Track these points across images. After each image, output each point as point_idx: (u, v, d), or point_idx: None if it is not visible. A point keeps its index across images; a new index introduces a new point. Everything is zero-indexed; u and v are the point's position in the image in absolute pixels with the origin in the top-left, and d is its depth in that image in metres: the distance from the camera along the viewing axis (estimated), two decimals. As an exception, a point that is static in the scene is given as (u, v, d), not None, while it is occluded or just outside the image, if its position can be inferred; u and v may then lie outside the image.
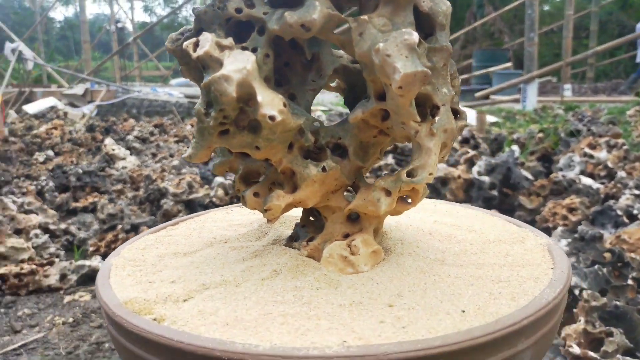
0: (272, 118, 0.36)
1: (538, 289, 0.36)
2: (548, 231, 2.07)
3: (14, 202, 2.46)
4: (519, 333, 0.32)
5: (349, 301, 0.35)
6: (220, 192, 2.52)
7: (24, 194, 2.77)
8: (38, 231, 2.26)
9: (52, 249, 2.04)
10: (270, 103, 0.35)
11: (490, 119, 4.71)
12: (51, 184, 2.85)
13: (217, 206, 2.57)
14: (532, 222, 2.30)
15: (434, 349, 0.28)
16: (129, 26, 14.06)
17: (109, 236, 2.17)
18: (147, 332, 0.31)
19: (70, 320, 1.57)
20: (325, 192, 0.43)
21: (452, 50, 0.39)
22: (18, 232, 2.29)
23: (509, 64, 7.36)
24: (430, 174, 0.39)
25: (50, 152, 3.78)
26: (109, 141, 3.87)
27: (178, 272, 0.42)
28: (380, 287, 0.37)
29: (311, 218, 0.47)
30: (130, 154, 3.87)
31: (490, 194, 2.45)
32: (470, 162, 2.72)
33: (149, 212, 2.51)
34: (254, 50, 0.39)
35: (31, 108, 6.85)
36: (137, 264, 0.44)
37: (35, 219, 2.38)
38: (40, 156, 3.69)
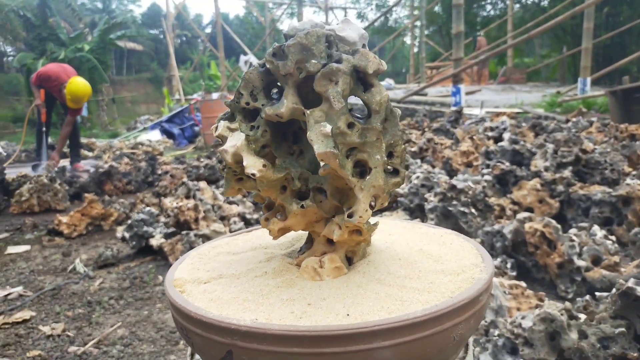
0: (253, 175, 0.57)
1: (412, 309, 0.49)
2: None
3: (222, 193, 3.11)
4: (374, 334, 0.46)
5: (288, 297, 0.54)
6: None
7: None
8: (237, 219, 2.82)
9: (242, 234, 2.54)
10: (252, 165, 0.56)
11: None
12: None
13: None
14: None
15: (300, 332, 0.46)
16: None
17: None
18: (172, 297, 0.56)
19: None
20: (308, 222, 0.62)
21: (380, 129, 0.54)
22: (222, 218, 2.90)
23: None
24: (360, 217, 0.55)
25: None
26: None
27: (217, 265, 0.66)
28: (317, 292, 0.55)
29: (311, 238, 0.66)
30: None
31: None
32: (664, 181, 2.39)
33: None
34: (257, 127, 0.60)
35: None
36: (201, 257, 0.70)
37: (235, 209, 2.97)
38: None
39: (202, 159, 5.16)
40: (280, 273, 0.61)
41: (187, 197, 3.01)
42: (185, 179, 3.69)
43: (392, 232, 0.74)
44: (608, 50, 11.53)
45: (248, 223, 2.82)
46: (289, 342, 0.46)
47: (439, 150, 3.42)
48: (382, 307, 0.51)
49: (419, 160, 3.37)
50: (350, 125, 0.54)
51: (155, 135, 8.28)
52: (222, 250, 0.73)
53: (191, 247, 2.44)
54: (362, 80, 0.56)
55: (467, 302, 0.51)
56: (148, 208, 2.87)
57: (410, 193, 2.42)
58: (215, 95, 9.54)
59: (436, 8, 14.19)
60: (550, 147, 3.04)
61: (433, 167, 3.23)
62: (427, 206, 2.18)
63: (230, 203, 3.08)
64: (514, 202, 2.69)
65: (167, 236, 2.65)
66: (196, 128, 8.35)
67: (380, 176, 0.55)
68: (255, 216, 2.90)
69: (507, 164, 2.91)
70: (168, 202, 2.90)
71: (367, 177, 0.54)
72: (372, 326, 0.46)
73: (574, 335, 1.21)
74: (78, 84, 4.86)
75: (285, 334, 0.46)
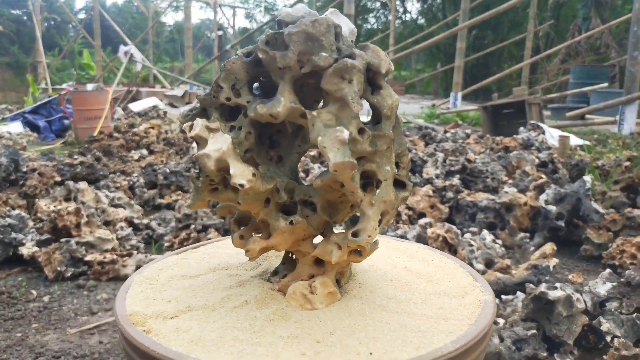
0: (241, 185, 0.47)
1: (442, 343, 0.43)
2: (614, 268, 1.98)
3: (106, 196, 2.80)
4: (407, 378, 0.40)
5: (288, 334, 0.45)
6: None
7: (117, 188, 3.12)
8: (124, 224, 2.56)
9: (133, 241, 2.30)
10: (241, 174, 0.46)
11: (578, 141, 4.46)
12: (142, 180, 3.18)
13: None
14: (598, 258, 2.21)
15: (324, 381, 0.38)
16: (230, 31, 14.93)
17: (183, 234, 2.40)
18: (136, 340, 0.44)
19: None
20: (295, 240, 0.53)
21: (392, 137, 0.47)
22: (107, 223, 2.61)
23: (605, 84, 6.89)
24: (369, 236, 0.48)
25: (144, 151, 4.17)
26: (195, 144, 4.20)
27: (177, 293, 0.54)
28: (319, 325, 0.47)
29: (292, 257, 0.58)
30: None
31: (556, 225, 2.38)
32: (540, 189, 2.65)
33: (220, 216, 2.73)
34: (239, 128, 0.50)
35: (136, 106, 7.52)
36: (151, 283, 0.57)
37: (122, 212, 2.69)
38: (135, 154, 4.10)
39: (75, 156, 4.64)
40: (264, 302, 0.51)
41: (67, 199, 2.66)
42: (58, 178, 3.27)
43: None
44: (474, 69, 12.76)
45: (136, 228, 2.56)
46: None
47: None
48: (404, 341, 0.44)
49: (318, 164, 3.37)
50: (360, 132, 0.46)
51: (17, 128, 7.30)
52: (173, 273, 0.61)
53: (72, 257, 2.15)
54: (369, 81, 0.49)
55: (488, 330, 0.46)
56: (17, 211, 2.47)
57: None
58: (90, 87, 8.72)
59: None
60: (440, 155, 3.23)
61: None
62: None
63: (116, 206, 2.79)
64: (408, 208, 2.80)
65: (41, 244, 2.31)
66: (66, 121, 7.53)
67: (391, 190, 0.48)
68: (145, 221, 2.65)
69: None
70: (44, 205, 2.53)
71: (378, 191, 0.47)
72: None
73: (496, 339, 1.25)
74: None
75: (314, 386, 0.37)
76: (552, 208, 2.42)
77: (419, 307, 0.50)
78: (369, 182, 0.49)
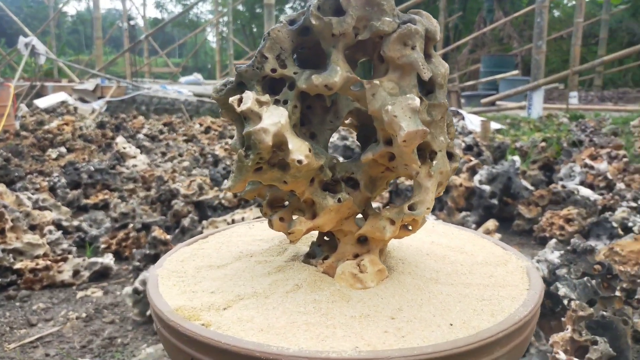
0: (299, 162, 0.44)
1: (514, 307, 0.44)
2: (545, 240, 2.14)
3: (29, 198, 2.55)
4: (496, 344, 0.40)
5: (358, 313, 0.43)
6: (230, 194, 2.60)
7: (37, 190, 2.86)
8: (52, 227, 2.36)
9: (64, 245, 2.12)
10: (299, 149, 0.43)
11: (495, 125, 4.76)
12: (63, 180, 2.94)
13: (226, 208, 2.64)
14: (530, 232, 2.38)
15: (427, 355, 0.36)
16: (140, 22, 14.19)
17: (121, 234, 2.25)
18: (198, 335, 0.40)
19: (84, 315, 1.65)
20: (340, 219, 0.51)
21: (448, 106, 0.47)
22: (33, 228, 2.39)
23: (516, 72, 7.42)
24: (427, 209, 0.47)
25: (63, 149, 3.87)
26: (120, 139, 3.97)
27: (215, 283, 0.50)
28: (384, 302, 0.46)
29: (325, 238, 0.55)
30: (141, 153, 3.96)
31: (490, 203, 2.53)
32: (473, 171, 2.78)
33: (160, 212, 2.59)
34: (285, 102, 0.47)
35: (42, 102, 6.93)
36: (180, 276, 0.52)
37: (49, 215, 2.48)
38: (53, 152, 3.78)
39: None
40: (317, 285, 0.49)
41: (-18, 204, 2.39)
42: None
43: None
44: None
45: (66, 231, 2.37)
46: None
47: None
48: (475, 309, 0.44)
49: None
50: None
51: None
52: (197, 264, 0.56)
53: (-3, 267, 1.94)
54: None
55: (542, 292, 0.48)
56: None
57: (263, 189, 2.35)
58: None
59: (240, 6, 14.25)
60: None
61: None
62: (287, 201, 2.14)
63: (41, 209, 2.55)
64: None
65: (-42, 255, 2.06)
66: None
67: (445, 161, 0.48)
68: (74, 223, 2.46)
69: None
70: (-44, 211, 2.26)
71: (435, 162, 0.47)
72: (500, 332, 0.39)
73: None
74: None
75: (424, 357, 0.36)
76: (486, 187, 2.56)
77: (470, 278, 0.51)
78: (421, 153, 0.48)
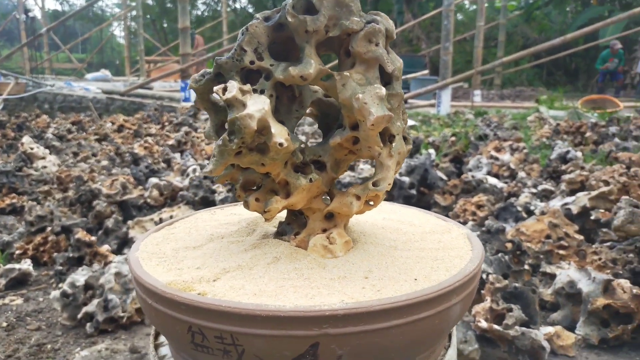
0: (281, 145, 0.49)
1: (463, 264, 0.52)
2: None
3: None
4: (453, 292, 0.48)
5: (336, 276, 0.50)
6: (155, 192, 2.55)
7: None
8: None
9: (-25, 253, 1.97)
10: (280, 134, 0.49)
11: (409, 122, 5.04)
12: (-38, 185, 2.71)
13: (152, 207, 2.58)
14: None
15: (402, 302, 0.43)
16: (38, 14, 13.14)
17: (38, 239, 2.13)
18: (198, 302, 0.44)
19: (4, 324, 1.56)
20: (310, 197, 0.57)
21: (403, 95, 0.54)
22: (-62, 235, 2.19)
23: (426, 71, 7.86)
24: (389, 184, 0.54)
25: (-40, 151, 3.54)
26: (27, 139, 3.70)
27: (198, 261, 0.54)
28: (355, 266, 0.52)
29: (293, 217, 0.61)
30: (50, 153, 3.72)
31: (409, 193, 2.70)
32: (393, 164, 2.93)
33: (80, 214, 2.48)
34: (262, 92, 0.52)
35: None
36: (160, 257, 0.55)
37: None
38: (-52, 155, 3.45)
39: None
40: (293, 256, 0.54)
41: None
42: None
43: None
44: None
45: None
46: (404, 312, 0.43)
47: (197, 144, 3.37)
48: (432, 267, 0.52)
49: (178, 154, 3.25)
50: (378, 91, 0.52)
51: None
52: (174, 246, 0.59)
53: None
54: (377, 46, 0.54)
55: (483, 253, 0.57)
56: None
57: (192, 186, 2.33)
58: None
59: (149, 0, 13.69)
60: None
61: (196, 160, 3.17)
62: (218, 197, 2.15)
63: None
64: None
65: None
66: None
67: (402, 143, 0.55)
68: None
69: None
70: None
71: (394, 144, 0.54)
72: (456, 282, 0.47)
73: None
74: None
75: (400, 304, 0.42)
76: (406, 179, 2.73)
77: (423, 244, 0.59)
78: (381, 137, 0.55)
